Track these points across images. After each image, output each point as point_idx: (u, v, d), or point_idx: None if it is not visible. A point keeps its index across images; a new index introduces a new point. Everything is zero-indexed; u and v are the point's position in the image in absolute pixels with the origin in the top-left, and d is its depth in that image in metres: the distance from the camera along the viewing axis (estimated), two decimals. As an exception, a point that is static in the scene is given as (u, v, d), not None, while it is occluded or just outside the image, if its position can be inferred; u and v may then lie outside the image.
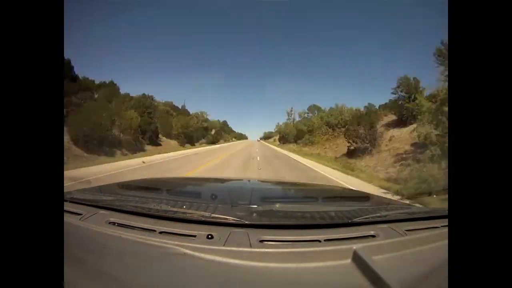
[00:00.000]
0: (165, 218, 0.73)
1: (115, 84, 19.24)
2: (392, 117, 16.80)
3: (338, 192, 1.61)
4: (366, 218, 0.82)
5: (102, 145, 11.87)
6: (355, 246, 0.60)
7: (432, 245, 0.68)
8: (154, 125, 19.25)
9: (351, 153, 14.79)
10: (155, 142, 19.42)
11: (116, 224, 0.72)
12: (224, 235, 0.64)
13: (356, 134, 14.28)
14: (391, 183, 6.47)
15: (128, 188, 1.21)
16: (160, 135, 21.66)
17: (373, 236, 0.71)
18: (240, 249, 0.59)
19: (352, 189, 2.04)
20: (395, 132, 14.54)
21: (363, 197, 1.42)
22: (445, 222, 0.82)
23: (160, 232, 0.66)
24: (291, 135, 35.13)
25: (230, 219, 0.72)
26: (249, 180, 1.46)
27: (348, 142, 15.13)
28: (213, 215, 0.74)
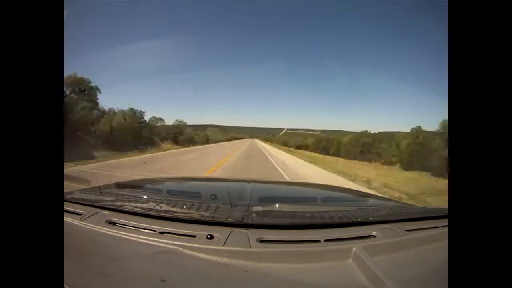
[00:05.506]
0: (165, 218, 0.73)
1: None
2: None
3: (338, 192, 1.60)
4: (366, 218, 0.82)
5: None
6: (355, 246, 0.60)
7: (432, 245, 0.68)
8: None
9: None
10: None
11: (116, 224, 0.72)
12: (224, 235, 0.64)
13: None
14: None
15: (128, 188, 1.21)
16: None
17: (373, 236, 0.71)
18: (240, 249, 0.59)
19: (352, 189, 2.03)
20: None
21: (363, 197, 1.42)
22: (445, 222, 0.81)
23: (160, 232, 0.66)
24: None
25: (230, 219, 0.72)
26: (249, 181, 1.45)
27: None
28: (213, 215, 0.74)
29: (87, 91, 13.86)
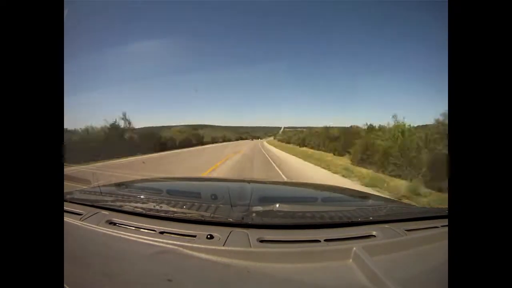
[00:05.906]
0: (165, 218, 0.73)
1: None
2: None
3: (338, 192, 1.60)
4: (366, 218, 0.82)
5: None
6: (355, 246, 0.60)
7: (431, 245, 0.68)
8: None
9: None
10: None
11: (116, 224, 0.72)
12: (224, 235, 0.64)
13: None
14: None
15: (128, 188, 1.21)
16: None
17: (373, 236, 0.71)
18: (240, 249, 0.59)
19: (352, 189, 2.03)
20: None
21: (363, 197, 1.42)
22: (445, 222, 0.81)
23: (160, 232, 0.66)
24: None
25: (230, 219, 0.72)
26: (249, 181, 1.45)
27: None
28: (213, 215, 0.74)
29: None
